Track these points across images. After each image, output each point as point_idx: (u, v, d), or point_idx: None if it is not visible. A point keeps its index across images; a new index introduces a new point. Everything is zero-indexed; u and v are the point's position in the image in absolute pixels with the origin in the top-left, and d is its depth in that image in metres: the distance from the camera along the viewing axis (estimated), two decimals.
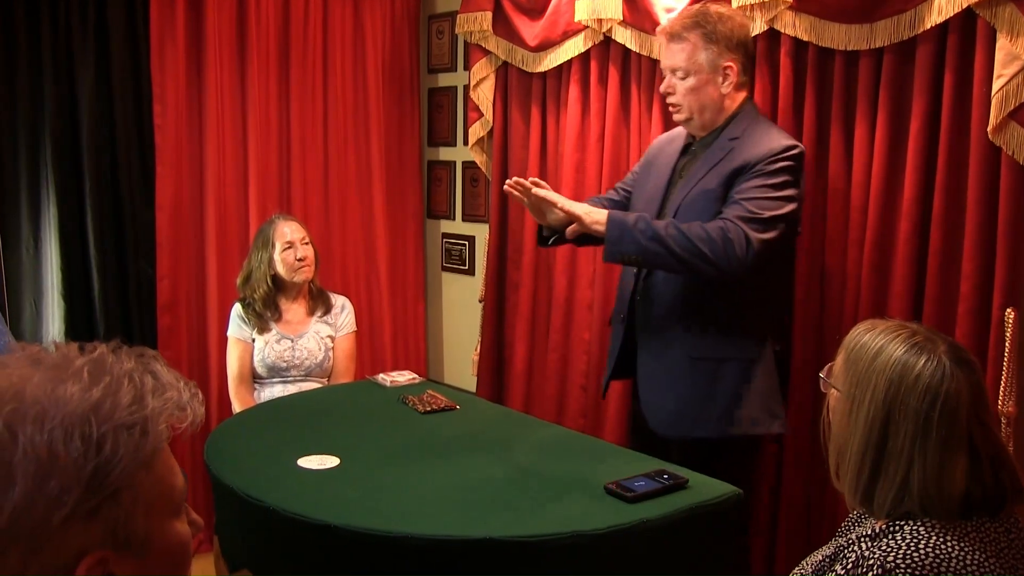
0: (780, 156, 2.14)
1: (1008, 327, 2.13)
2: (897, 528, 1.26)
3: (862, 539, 1.30)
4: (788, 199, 2.14)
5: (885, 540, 1.26)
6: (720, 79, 2.23)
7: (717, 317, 2.24)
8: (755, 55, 2.27)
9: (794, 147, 2.18)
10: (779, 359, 2.34)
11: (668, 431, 2.28)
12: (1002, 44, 2.10)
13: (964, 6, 2.14)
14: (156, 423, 0.80)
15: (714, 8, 2.27)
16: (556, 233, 2.37)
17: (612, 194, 2.58)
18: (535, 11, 3.24)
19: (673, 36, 2.25)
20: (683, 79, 2.25)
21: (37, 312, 3.07)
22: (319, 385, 3.06)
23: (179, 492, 0.85)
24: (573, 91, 3.15)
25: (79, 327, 3.07)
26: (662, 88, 2.33)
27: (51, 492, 0.73)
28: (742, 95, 2.28)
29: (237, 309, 3.08)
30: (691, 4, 2.56)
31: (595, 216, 2.20)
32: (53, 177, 3.02)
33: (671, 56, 2.26)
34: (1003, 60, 2.09)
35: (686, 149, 2.37)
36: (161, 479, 0.82)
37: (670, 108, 2.34)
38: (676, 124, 2.42)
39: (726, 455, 2.21)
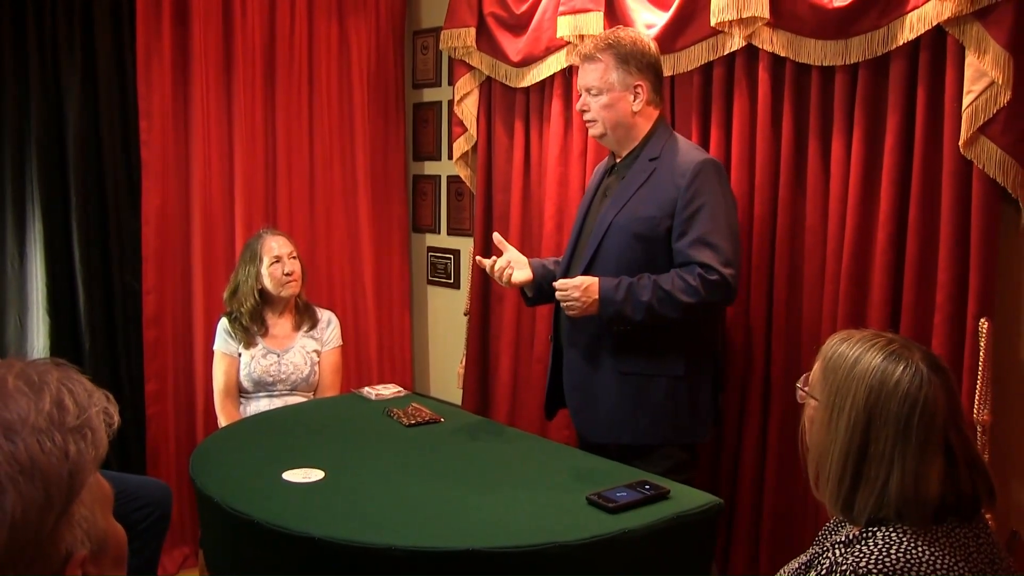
0: (699, 184, 2.26)
1: (983, 337, 2.16)
2: (870, 534, 1.28)
3: (836, 546, 1.33)
4: (728, 224, 2.28)
5: (858, 546, 1.28)
6: (631, 97, 2.36)
7: (643, 338, 2.30)
8: (662, 77, 2.44)
9: (706, 162, 2.31)
10: (715, 373, 2.45)
11: (597, 438, 2.39)
12: (970, 61, 2.14)
13: (934, 24, 2.19)
14: (98, 425, 0.84)
15: (625, 33, 2.43)
16: (538, 294, 2.55)
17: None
18: (518, 27, 3.28)
19: (587, 57, 2.40)
20: (596, 96, 2.38)
21: (22, 327, 3.04)
22: (305, 399, 3.07)
23: (110, 489, 0.90)
24: (556, 106, 3.18)
25: (64, 342, 3.05)
26: (578, 106, 2.47)
27: (39, 496, 0.76)
28: (655, 114, 2.41)
29: (224, 323, 3.08)
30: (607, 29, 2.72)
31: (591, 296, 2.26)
32: (39, 192, 3.01)
33: (585, 76, 2.41)
34: (972, 76, 2.14)
35: (610, 171, 2.49)
36: (98, 478, 0.86)
37: (586, 125, 2.47)
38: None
39: (658, 459, 2.29)
